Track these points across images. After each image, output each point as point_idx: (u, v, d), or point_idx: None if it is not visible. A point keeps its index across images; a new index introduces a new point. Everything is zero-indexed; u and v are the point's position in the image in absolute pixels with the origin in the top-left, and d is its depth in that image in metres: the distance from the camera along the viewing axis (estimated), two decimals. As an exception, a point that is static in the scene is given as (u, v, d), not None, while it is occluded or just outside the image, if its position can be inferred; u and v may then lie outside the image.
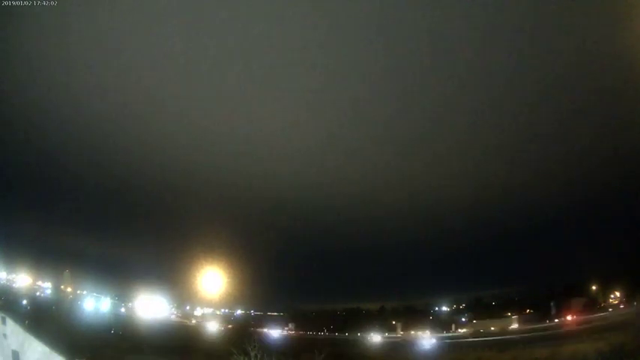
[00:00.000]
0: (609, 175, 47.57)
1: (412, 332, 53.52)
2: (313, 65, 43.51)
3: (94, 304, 52.88)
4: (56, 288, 53.71)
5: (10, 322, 35.84)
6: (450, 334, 53.09)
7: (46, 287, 54.02)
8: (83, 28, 39.60)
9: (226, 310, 58.35)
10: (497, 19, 38.58)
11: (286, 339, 53.64)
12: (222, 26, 40.10)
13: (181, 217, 51.84)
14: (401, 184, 54.65)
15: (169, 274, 50.08)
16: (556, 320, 48.22)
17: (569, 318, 47.33)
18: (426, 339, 50.74)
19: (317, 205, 55.93)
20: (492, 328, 51.50)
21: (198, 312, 59.34)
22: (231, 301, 49.66)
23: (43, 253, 49.30)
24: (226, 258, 44.32)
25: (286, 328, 57.18)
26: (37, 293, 52.84)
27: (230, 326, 55.60)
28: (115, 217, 54.56)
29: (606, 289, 48.17)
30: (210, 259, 44.33)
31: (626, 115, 42.69)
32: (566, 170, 50.33)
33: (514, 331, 49.49)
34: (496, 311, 55.33)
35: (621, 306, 45.61)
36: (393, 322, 57.42)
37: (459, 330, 53.98)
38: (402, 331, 54.50)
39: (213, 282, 44.83)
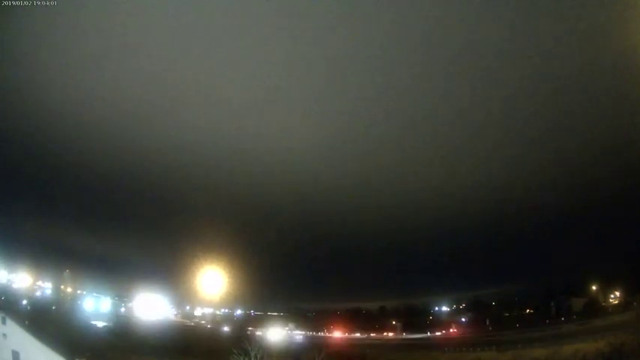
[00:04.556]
0: (609, 175, 47.62)
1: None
2: (314, 66, 43.51)
3: (94, 304, 52.84)
4: (56, 288, 53.66)
5: (10, 322, 35.84)
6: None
7: (46, 287, 53.99)
8: (83, 28, 39.54)
9: (226, 310, 58.42)
10: (498, 20, 38.62)
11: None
12: (224, 26, 40.07)
13: (182, 217, 51.87)
14: (401, 184, 54.68)
15: (169, 274, 50.10)
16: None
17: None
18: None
19: (317, 205, 55.98)
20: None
21: (198, 312, 59.39)
22: (231, 301, 49.68)
23: (43, 253, 49.34)
24: (226, 258, 44.35)
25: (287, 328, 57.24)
26: (37, 293, 52.82)
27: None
28: (115, 217, 54.57)
29: (606, 289, 48.26)
30: (211, 259, 44.35)
31: (627, 115, 42.77)
32: (566, 170, 50.40)
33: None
34: (496, 311, 55.49)
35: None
36: (393, 322, 57.56)
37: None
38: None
39: (213, 282, 44.81)
